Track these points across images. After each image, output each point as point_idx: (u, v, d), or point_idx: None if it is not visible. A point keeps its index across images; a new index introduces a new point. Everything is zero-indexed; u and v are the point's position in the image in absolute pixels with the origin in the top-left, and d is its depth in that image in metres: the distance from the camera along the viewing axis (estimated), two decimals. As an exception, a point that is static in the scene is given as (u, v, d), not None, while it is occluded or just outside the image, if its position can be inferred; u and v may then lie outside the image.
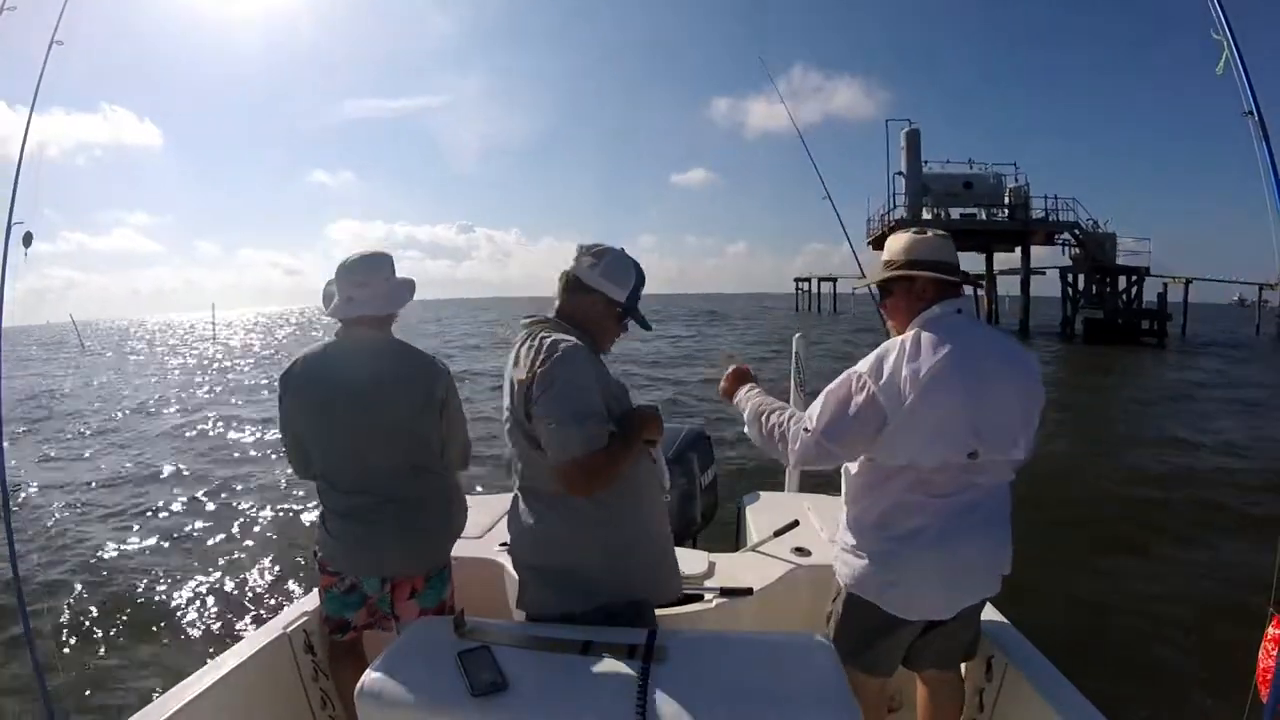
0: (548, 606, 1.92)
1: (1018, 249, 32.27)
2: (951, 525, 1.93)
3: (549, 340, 1.83)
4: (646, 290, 2.07)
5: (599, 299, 1.98)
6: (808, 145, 4.71)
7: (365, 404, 2.24)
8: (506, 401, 1.92)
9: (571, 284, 1.99)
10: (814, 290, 54.65)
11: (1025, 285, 32.97)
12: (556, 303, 2.02)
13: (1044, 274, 33.57)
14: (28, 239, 2.58)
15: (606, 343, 2.03)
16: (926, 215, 30.73)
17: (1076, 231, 30.64)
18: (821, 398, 1.99)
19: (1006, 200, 31.09)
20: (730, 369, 2.40)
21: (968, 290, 2.13)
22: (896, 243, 2.09)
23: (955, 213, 31.28)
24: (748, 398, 2.26)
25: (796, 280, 58.11)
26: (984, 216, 31.33)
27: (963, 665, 2.39)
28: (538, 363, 1.80)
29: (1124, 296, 31.16)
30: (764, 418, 2.13)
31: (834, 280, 51.61)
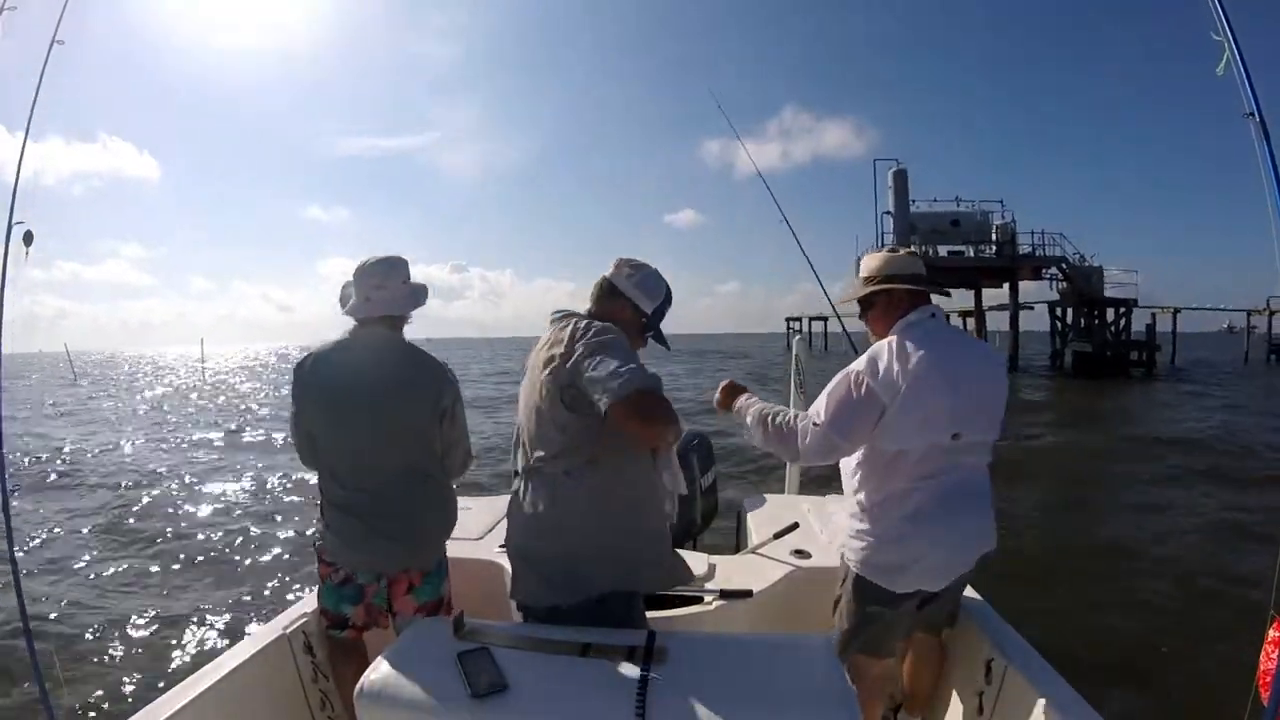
0: (538, 597, 1.94)
1: (1006, 284, 32.47)
2: (946, 503, 2.16)
3: (585, 321, 1.91)
4: None
5: (628, 305, 2.07)
6: (768, 181, 4.76)
7: (373, 402, 2.30)
8: (537, 375, 1.93)
9: (605, 289, 2.09)
10: (806, 329, 54.88)
11: (1014, 320, 33.11)
12: (588, 305, 2.10)
13: (1032, 309, 33.86)
14: (28, 238, 2.58)
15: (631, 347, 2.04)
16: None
17: (1063, 265, 30.95)
18: (824, 396, 2.20)
19: (994, 237, 31.35)
20: (723, 383, 2.55)
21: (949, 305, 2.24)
22: (873, 261, 2.37)
23: (943, 250, 31.55)
24: (748, 405, 2.40)
25: (788, 319, 58.38)
26: (971, 253, 31.59)
27: (961, 667, 2.52)
28: (579, 336, 1.84)
29: (1112, 328, 31.44)
30: (770, 419, 2.29)
31: (825, 319, 51.91)
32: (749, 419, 2.35)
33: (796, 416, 2.25)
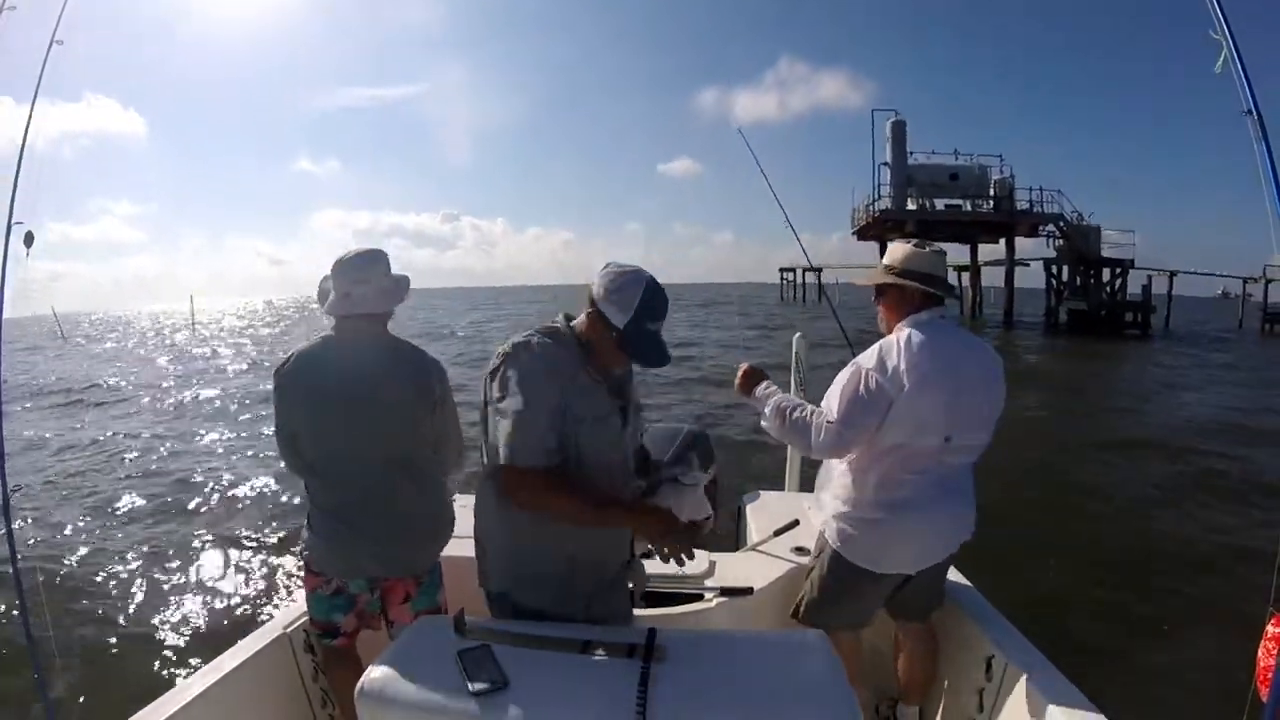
0: (487, 584, 1.99)
1: (1002, 240, 32.24)
2: (927, 496, 2.29)
3: (518, 340, 1.87)
4: None
5: (598, 317, 1.91)
6: (761, 136, 4.55)
7: (363, 399, 2.26)
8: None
9: (587, 297, 1.97)
10: (799, 280, 54.62)
11: (1010, 276, 32.98)
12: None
13: (1028, 265, 33.61)
14: (29, 239, 2.58)
15: (609, 363, 1.96)
16: (911, 206, 30.59)
17: (1061, 223, 30.60)
18: (837, 392, 2.29)
19: (992, 191, 30.96)
20: (742, 368, 2.61)
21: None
22: (898, 252, 2.43)
23: (940, 203, 31.18)
24: (766, 394, 2.49)
25: (781, 270, 58.04)
26: (969, 208, 31.20)
27: (961, 664, 2.56)
28: (494, 370, 1.85)
29: (1108, 289, 31.18)
30: (787, 413, 2.38)
31: (819, 270, 51.58)
32: (767, 409, 2.45)
33: (812, 413, 2.34)
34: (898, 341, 2.27)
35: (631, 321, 1.85)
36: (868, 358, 2.28)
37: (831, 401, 2.30)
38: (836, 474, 2.46)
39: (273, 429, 2.45)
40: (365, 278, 2.28)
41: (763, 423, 2.48)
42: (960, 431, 2.28)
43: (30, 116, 2.70)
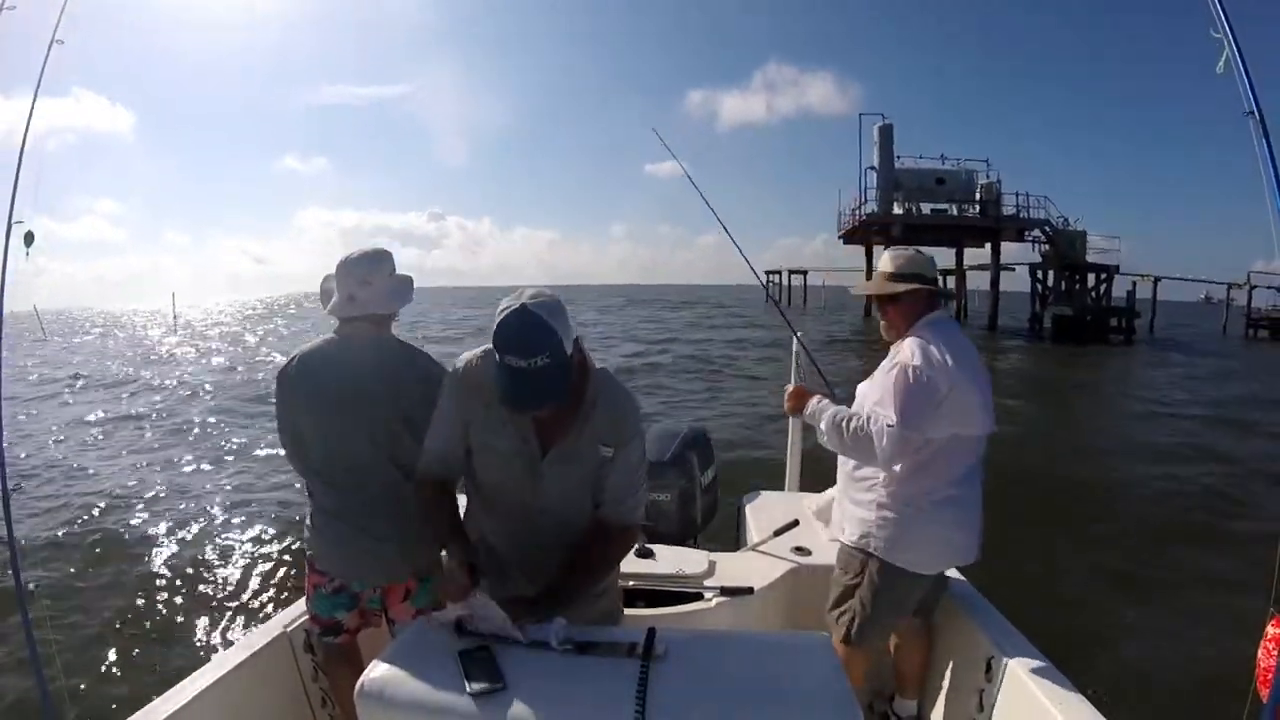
0: None
1: (988, 245, 32.36)
2: (964, 492, 2.38)
3: (468, 354, 1.88)
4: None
5: None
6: (696, 181, 4.28)
7: (365, 402, 2.23)
8: None
9: None
10: (785, 282, 54.73)
11: (995, 281, 33.11)
12: None
13: (1014, 270, 33.76)
14: (29, 238, 2.57)
15: None
16: (898, 210, 30.65)
17: (1047, 228, 30.77)
18: (891, 396, 2.28)
19: (978, 196, 31.10)
20: (790, 388, 2.71)
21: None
22: (899, 258, 2.48)
23: (927, 208, 31.28)
24: (820, 409, 2.52)
25: (767, 272, 58.14)
26: (955, 212, 31.34)
27: (961, 665, 2.60)
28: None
29: (1093, 294, 31.36)
30: (845, 426, 2.40)
31: (804, 273, 51.86)
32: (823, 424, 2.47)
33: (869, 420, 2.33)
34: (933, 340, 2.32)
35: (497, 357, 1.68)
36: (910, 357, 2.30)
37: (889, 406, 2.29)
38: (881, 484, 2.42)
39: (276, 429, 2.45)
40: (370, 279, 2.25)
41: (821, 439, 2.51)
42: (989, 420, 2.38)
43: (30, 116, 2.69)
